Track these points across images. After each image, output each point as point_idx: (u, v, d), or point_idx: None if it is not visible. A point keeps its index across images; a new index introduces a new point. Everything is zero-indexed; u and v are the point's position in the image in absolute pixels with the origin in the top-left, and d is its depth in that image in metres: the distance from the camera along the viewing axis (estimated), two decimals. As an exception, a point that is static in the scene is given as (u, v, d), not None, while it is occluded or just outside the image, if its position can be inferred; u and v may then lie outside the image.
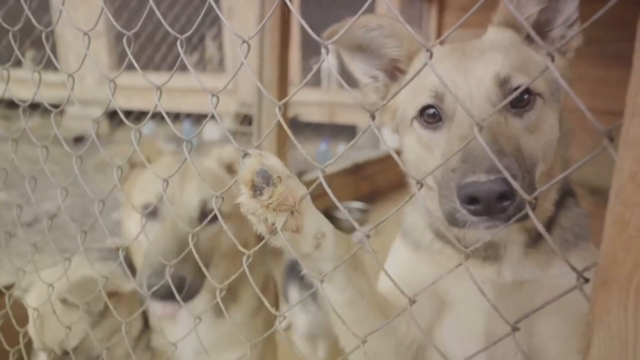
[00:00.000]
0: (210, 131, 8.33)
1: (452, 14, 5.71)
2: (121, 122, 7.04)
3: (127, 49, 1.12)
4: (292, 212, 0.84)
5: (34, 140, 1.48)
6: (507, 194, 0.76)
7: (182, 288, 1.17)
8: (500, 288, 1.02)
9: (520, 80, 0.90)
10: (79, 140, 7.09)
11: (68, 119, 7.54)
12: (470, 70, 0.92)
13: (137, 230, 1.16)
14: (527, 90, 0.91)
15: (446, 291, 1.07)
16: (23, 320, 1.64)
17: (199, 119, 8.16)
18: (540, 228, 0.65)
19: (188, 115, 7.76)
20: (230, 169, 1.46)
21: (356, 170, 5.21)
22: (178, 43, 1.03)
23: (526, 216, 0.71)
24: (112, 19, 1.17)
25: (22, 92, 1.52)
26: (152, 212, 1.24)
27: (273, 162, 0.84)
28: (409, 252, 1.15)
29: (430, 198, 0.98)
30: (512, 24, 0.98)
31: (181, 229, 1.16)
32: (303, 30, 8.39)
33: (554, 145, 0.96)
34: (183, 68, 1.07)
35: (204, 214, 1.26)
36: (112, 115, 7.45)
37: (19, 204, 1.72)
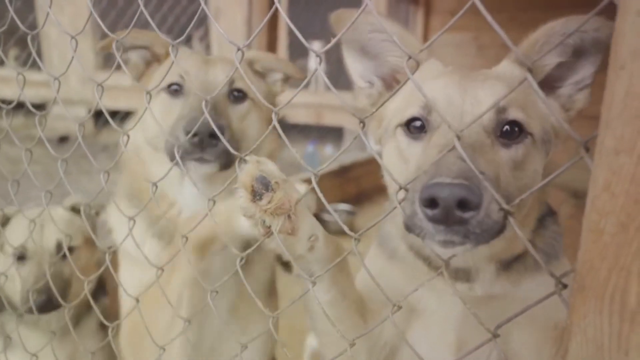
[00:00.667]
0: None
1: (438, 18, 5.77)
2: (107, 122, 6.94)
3: (115, 53, 1.12)
4: (288, 216, 0.87)
5: (17, 143, 1.46)
6: (469, 203, 0.71)
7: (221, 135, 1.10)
8: (471, 300, 1.02)
9: (517, 115, 0.90)
10: (63, 139, 7.00)
11: (52, 119, 7.42)
12: (470, 90, 0.92)
13: (163, 111, 1.28)
14: (520, 127, 0.91)
15: (417, 300, 1.09)
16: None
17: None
18: (527, 244, 0.67)
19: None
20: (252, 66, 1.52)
21: (342, 172, 5.22)
22: (170, 49, 1.04)
23: (487, 238, 0.74)
24: (99, 21, 1.17)
25: (6, 91, 1.50)
26: (175, 90, 1.31)
27: (271, 167, 0.88)
28: (383, 260, 1.16)
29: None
30: (525, 65, 0.94)
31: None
32: (290, 32, 8.39)
33: (528, 188, 0.91)
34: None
35: (232, 92, 1.34)
36: (97, 115, 7.37)
37: (1, 207, 1.69)
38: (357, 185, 5.35)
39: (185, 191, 1.33)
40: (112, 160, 1.25)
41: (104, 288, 1.65)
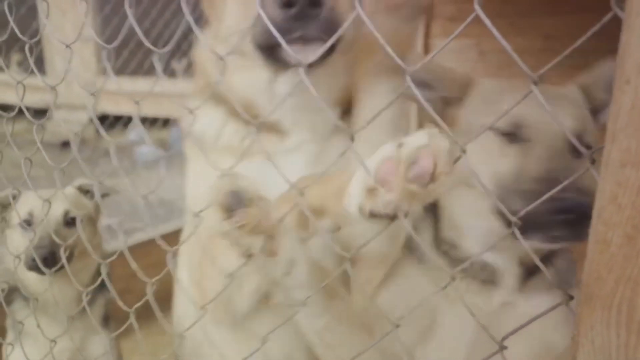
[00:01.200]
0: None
1: (439, 24, 5.76)
2: (108, 127, 7.00)
3: (106, 64, 1.12)
4: (267, 236, 0.83)
5: (17, 149, 1.49)
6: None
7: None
8: (485, 316, 1.02)
9: (589, 139, 1.01)
10: (66, 144, 7.02)
11: (54, 124, 7.46)
12: (555, 113, 0.97)
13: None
14: (589, 147, 0.97)
15: (440, 313, 1.08)
16: None
17: (187, 124, 8.11)
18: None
19: (177, 121, 7.71)
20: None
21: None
22: (154, 59, 1.02)
23: None
24: (96, 35, 1.17)
25: (10, 96, 1.51)
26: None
27: (246, 183, 0.82)
28: (412, 266, 1.14)
29: None
30: (586, 91, 1.09)
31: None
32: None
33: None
34: (171, 74, 1.07)
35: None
36: (99, 120, 7.38)
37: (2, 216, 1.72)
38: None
39: (277, 101, 1.10)
40: (113, 165, 1.24)
41: (105, 286, 1.65)
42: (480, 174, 0.88)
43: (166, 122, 7.52)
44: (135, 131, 7.68)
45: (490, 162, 1.01)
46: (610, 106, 0.60)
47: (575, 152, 0.97)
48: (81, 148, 2.02)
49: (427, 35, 5.87)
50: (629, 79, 0.57)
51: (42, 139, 1.41)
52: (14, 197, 1.63)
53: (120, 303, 1.31)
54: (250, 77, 1.10)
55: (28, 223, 1.58)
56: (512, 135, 1.01)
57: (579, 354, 0.66)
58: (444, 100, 1.09)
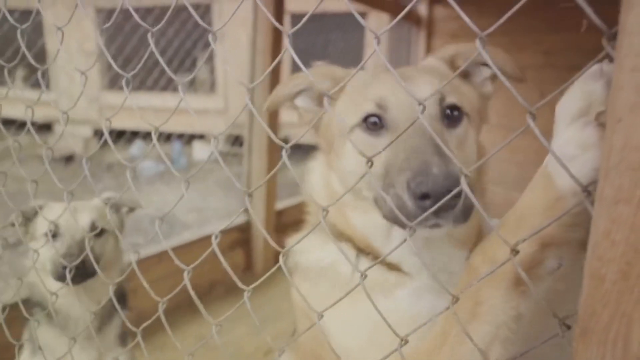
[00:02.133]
0: (200, 151, 8.33)
1: (440, 39, 5.82)
2: (112, 141, 6.98)
3: (125, 88, 1.14)
4: None
5: (24, 175, 1.50)
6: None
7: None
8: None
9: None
10: (69, 159, 7.06)
11: (55, 138, 7.50)
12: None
13: (359, 154, 0.87)
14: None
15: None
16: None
17: (189, 139, 8.16)
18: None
19: (179, 136, 7.77)
20: (453, 64, 1.19)
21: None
22: (179, 87, 1.04)
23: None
24: (105, 49, 1.19)
25: (14, 111, 1.52)
26: (375, 123, 1.03)
27: None
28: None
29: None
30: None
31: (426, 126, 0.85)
32: (295, 52, 8.48)
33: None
34: (174, 89, 1.08)
35: (445, 112, 1.04)
36: (102, 135, 7.41)
37: (3, 233, 1.72)
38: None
39: (393, 246, 0.97)
40: (116, 179, 1.25)
41: (125, 301, 1.69)
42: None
43: (168, 137, 7.58)
44: (137, 146, 7.72)
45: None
46: (603, 144, 0.61)
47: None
48: (87, 162, 2.03)
49: (428, 51, 5.94)
50: (620, 118, 0.58)
51: (51, 155, 1.42)
52: (39, 209, 1.63)
53: (127, 322, 1.32)
54: (367, 219, 1.05)
55: (53, 234, 1.57)
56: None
57: (575, 387, 0.66)
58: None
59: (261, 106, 3.94)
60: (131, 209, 1.71)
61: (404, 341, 0.79)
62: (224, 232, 1.12)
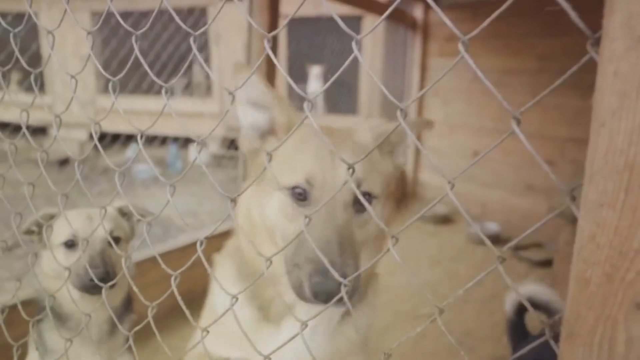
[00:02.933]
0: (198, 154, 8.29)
1: (435, 43, 5.85)
2: (106, 145, 7.00)
3: (112, 94, 1.14)
4: None
5: (20, 178, 1.49)
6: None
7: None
8: None
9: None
10: (64, 163, 7.03)
11: (52, 142, 7.47)
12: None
13: (281, 213, 1.11)
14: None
15: None
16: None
17: (185, 143, 8.14)
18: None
19: (175, 140, 7.76)
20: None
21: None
22: (163, 91, 1.06)
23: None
24: (96, 56, 1.18)
25: (8, 115, 1.52)
26: (300, 194, 1.09)
27: None
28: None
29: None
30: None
31: (338, 216, 1.06)
32: (290, 57, 8.50)
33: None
34: (169, 92, 1.08)
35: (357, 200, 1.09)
36: (97, 138, 7.39)
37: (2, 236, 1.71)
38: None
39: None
40: (111, 183, 1.24)
41: (131, 305, 1.71)
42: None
43: (164, 140, 7.57)
44: (133, 149, 7.70)
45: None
46: (588, 148, 0.61)
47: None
48: (79, 166, 2.03)
49: (424, 54, 5.97)
50: (603, 123, 0.58)
51: (46, 159, 1.42)
52: (52, 217, 1.63)
53: (120, 328, 1.32)
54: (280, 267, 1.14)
55: (71, 244, 1.57)
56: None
57: (561, 390, 0.66)
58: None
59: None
60: (142, 216, 1.72)
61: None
62: (216, 237, 1.13)
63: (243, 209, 1.23)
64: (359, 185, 1.09)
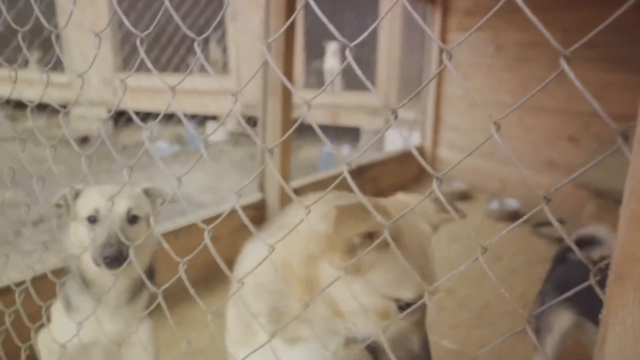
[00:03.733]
0: (214, 133, 8.33)
1: (455, 18, 5.72)
2: (126, 123, 7.07)
3: (139, 47, 1.14)
4: None
5: (41, 140, 1.51)
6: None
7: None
8: None
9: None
10: (84, 140, 7.13)
11: (73, 120, 7.58)
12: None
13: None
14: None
15: None
16: (34, 316, 1.68)
17: (203, 120, 8.18)
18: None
19: (192, 117, 7.79)
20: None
21: (360, 172, 5.22)
22: (195, 44, 1.05)
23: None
24: (124, 19, 1.19)
25: (29, 93, 1.54)
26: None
27: None
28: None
29: None
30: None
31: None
32: (307, 32, 8.41)
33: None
34: (187, 69, 1.08)
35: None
36: (117, 116, 7.49)
37: (27, 202, 1.76)
38: (375, 185, 5.34)
39: None
40: (131, 160, 1.26)
41: (153, 277, 1.77)
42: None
43: (174, 117, 7.60)
44: (152, 127, 7.76)
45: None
46: None
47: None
48: (99, 144, 2.06)
49: (443, 30, 5.84)
50: None
51: (66, 126, 1.43)
52: (77, 194, 1.68)
53: (147, 284, 1.37)
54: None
55: (93, 219, 1.63)
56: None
57: (608, 334, 0.65)
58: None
59: (275, 85, 3.93)
60: (165, 201, 1.76)
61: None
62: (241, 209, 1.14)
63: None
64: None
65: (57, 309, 1.70)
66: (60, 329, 1.64)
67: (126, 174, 1.33)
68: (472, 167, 5.81)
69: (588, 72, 4.39)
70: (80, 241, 1.63)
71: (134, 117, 1.27)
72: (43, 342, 1.72)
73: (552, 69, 0.68)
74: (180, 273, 1.15)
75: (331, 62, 8.75)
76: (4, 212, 1.82)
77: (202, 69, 8.81)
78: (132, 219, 1.65)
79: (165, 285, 1.28)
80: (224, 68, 8.93)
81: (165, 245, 1.18)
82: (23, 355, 1.71)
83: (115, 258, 1.52)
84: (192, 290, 1.11)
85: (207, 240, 1.09)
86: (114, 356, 1.56)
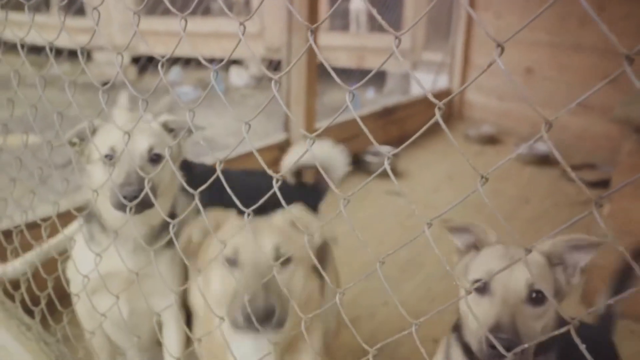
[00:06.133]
0: (237, 77, 8.26)
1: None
2: (146, 67, 7.03)
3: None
4: None
5: (64, 81, 1.47)
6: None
7: (272, 316, 1.26)
8: None
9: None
10: (106, 85, 7.14)
11: (100, 65, 7.58)
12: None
13: (220, 283, 1.36)
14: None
15: None
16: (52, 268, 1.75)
17: (226, 65, 8.07)
18: None
19: (212, 61, 7.69)
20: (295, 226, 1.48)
21: (385, 114, 5.13)
22: None
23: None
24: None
25: (50, 38, 1.51)
26: (232, 261, 1.34)
27: None
28: None
29: None
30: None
31: (262, 272, 1.28)
32: (331, -30, 8.06)
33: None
34: (205, 12, 1.04)
35: (278, 259, 1.31)
36: (134, 61, 7.44)
37: (50, 140, 1.71)
38: (400, 127, 5.26)
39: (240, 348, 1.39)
40: (156, 105, 1.25)
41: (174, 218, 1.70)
42: (467, 315, 1.29)
43: (200, 62, 7.53)
44: (175, 71, 7.73)
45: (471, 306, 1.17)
46: None
47: (534, 302, 1.21)
48: (122, 89, 2.05)
49: (472, 7, 5.51)
50: None
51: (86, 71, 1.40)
52: (93, 131, 1.55)
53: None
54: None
55: (110, 158, 1.47)
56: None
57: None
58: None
59: (299, 27, 3.82)
60: (189, 132, 1.53)
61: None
62: (265, 149, 1.14)
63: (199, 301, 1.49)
64: (277, 249, 1.34)
65: (79, 241, 1.65)
66: (81, 261, 1.61)
67: (141, 107, 1.25)
68: (502, 110, 5.65)
69: (631, 8, 4.11)
70: (98, 184, 1.48)
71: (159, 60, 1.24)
72: (72, 271, 1.70)
73: (593, 3, 0.62)
74: (197, 202, 1.19)
75: (357, 1, 8.43)
76: (33, 154, 1.85)
77: (223, 12, 8.62)
78: (154, 158, 1.50)
79: (180, 218, 1.31)
80: (246, 7, 8.70)
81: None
82: (50, 285, 1.77)
83: (135, 198, 1.37)
84: (210, 228, 1.12)
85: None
86: (134, 286, 1.46)
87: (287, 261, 1.35)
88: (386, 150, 0.96)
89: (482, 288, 1.24)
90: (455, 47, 6.04)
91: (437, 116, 0.79)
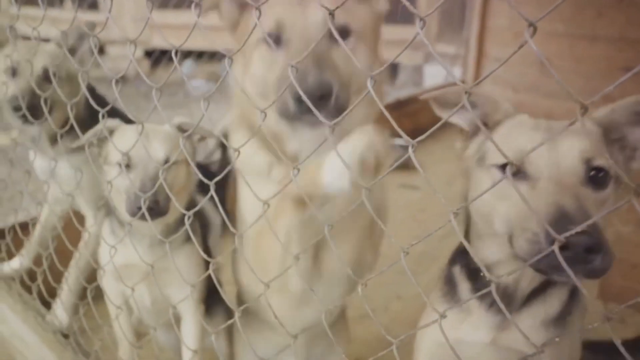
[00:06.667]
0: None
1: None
2: (159, 60, 7.05)
3: None
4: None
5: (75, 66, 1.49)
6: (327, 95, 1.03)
7: (329, 96, 1.06)
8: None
9: (601, 162, 0.95)
10: (119, 80, 7.17)
11: (114, 59, 7.62)
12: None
13: (262, 67, 1.23)
14: (605, 172, 0.95)
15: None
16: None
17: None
18: None
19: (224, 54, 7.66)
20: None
21: (398, 106, 5.10)
22: None
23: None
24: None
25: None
26: (276, 38, 1.20)
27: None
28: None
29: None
30: (606, 125, 1.07)
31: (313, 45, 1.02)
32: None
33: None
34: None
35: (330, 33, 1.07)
36: (147, 54, 7.47)
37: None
38: (414, 120, 5.22)
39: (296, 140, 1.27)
40: (169, 99, 1.25)
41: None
42: (493, 214, 0.99)
43: (212, 55, 7.51)
44: (187, 64, 7.74)
45: (500, 202, 0.99)
46: None
47: (597, 184, 0.93)
48: (137, 83, 2.06)
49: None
50: None
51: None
52: (111, 132, 1.55)
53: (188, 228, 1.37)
54: (274, 117, 1.18)
55: (127, 164, 1.47)
56: (519, 172, 0.96)
57: None
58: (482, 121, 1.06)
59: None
60: (202, 138, 1.61)
61: (267, 205, 1.07)
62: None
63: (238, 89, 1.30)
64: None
65: (104, 229, 1.71)
66: (103, 250, 1.67)
67: (155, 98, 1.28)
68: (514, 101, 5.57)
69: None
70: (114, 186, 1.51)
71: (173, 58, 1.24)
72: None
73: (616, 28, 0.60)
74: (213, 192, 1.20)
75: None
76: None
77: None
78: (170, 165, 1.49)
79: (194, 210, 1.32)
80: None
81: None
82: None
83: (150, 209, 1.39)
84: (225, 219, 1.12)
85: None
86: (151, 277, 1.50)
87: (345, 33, 1.13)
88: (401, 142, 0.93)
89: (516, 173, 0.93)
90: (469, 38, 5.97)
91: (464, 100, 0.77)
